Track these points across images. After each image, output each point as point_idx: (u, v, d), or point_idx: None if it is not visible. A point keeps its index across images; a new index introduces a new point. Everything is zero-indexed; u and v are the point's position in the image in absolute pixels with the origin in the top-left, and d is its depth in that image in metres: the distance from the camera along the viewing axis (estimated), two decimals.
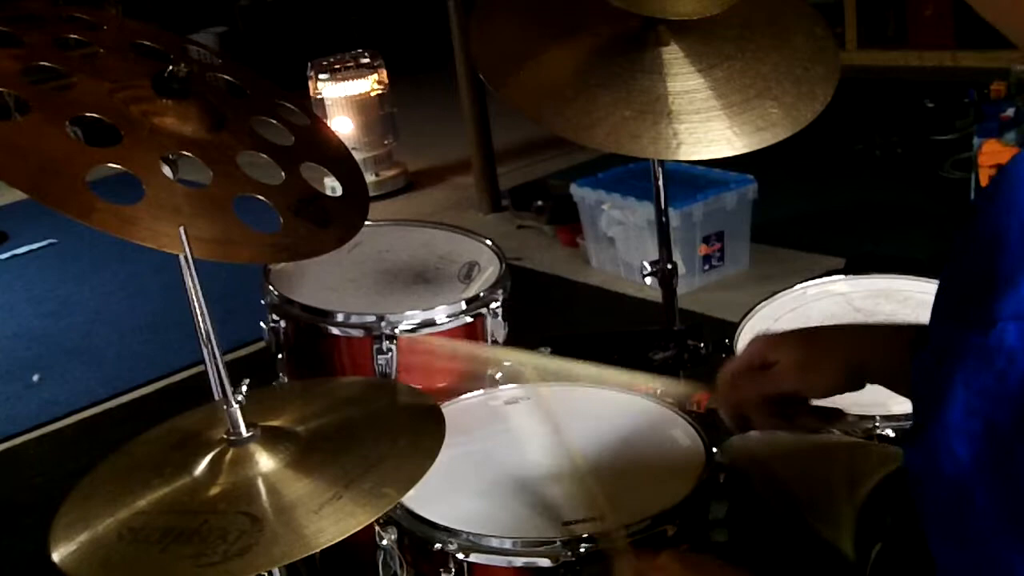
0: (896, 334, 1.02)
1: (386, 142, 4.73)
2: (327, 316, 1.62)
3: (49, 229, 4.55)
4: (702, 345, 1.80)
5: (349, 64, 4.61)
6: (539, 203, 3.97)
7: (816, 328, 1.12)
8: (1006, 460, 0.59)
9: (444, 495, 1.23)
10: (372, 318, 1.58)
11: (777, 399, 1.08)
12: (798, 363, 1.06)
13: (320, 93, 4.57)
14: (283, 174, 1.24)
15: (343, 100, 4.57)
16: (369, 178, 4.52)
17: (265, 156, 1.24)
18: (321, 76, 4.57)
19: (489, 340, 1.66)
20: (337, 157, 1.42)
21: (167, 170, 1.12)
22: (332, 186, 1.36)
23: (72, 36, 1.24)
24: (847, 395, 1.38)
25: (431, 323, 1.60)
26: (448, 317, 1.61)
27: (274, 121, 1.33)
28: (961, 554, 0.63)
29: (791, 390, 1.07)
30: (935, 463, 0.62)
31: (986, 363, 0.59)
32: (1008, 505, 0.59)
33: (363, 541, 1.17)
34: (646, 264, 1.87)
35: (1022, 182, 0.62)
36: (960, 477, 0.61)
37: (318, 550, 0.97)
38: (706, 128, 1.50)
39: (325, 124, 1.55)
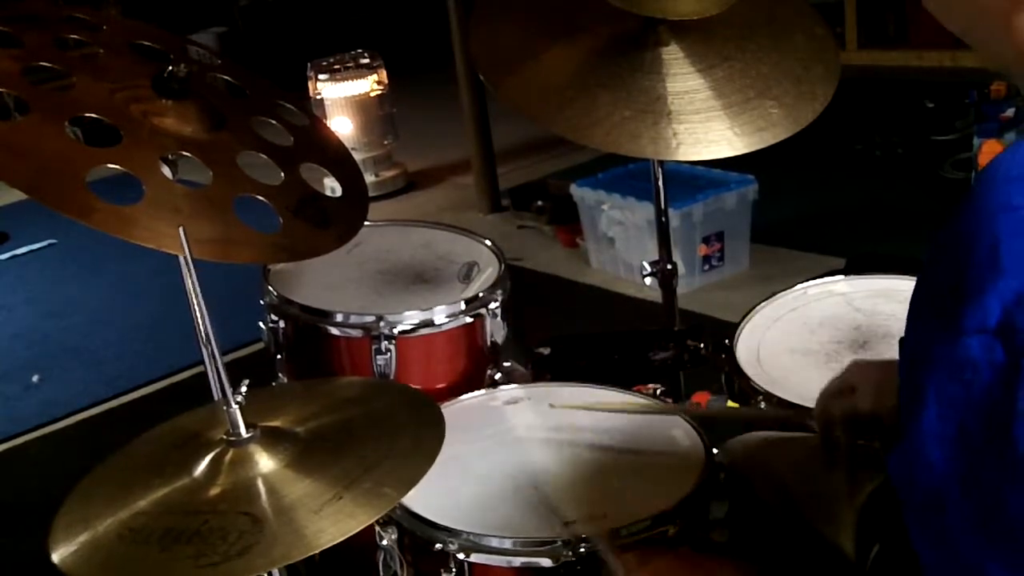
0: None
1: (386, 142, 4.73)
2: (326, 316, 1.62)
3: (49, 229, 4.54)
4: (702, 345, 1.80)
5: (349, 64, 4.61)
6: (539, 203, 3.97)
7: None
8: (977, 467, 0.60)
9: (444, 495, 1.23)
10: (371, 318, 1.58)
11: (859, 419, 1.13)
12: (876, 386, 1.11)
13: (320, 93, 4.57)
14: (283, 174, 1.24)
15: (343, 100, 4.57)
16: (369, 178, 4.52)
17: (265, 156, 1.24)
18: (321, 76, 4.57)
19: (488, 340, 1.66)
20: (337, 157, 1.42)
21: (167, 170, 1.12)
22: (332, 186, 1.36)
23: (72, 36, 1.24)
24: None
25: (430, 323, 1.59)
26: (447, 317, 1.61)
27: (274, 121, 1.33)
28: (939, 558, 0.64)
29: (868, 410, 1.11)
30: (912, 469, 0.64)
31: (954, 373, 0.60)
32: (980, 511, 0.60)
33: (363, 541, 1.17)
34: (646, 264, 1.87)
35: (993, 190, 0.62)
36: (934, 483, 0.62)
37: (318, 551, 0.97)
38: (706, 128, 1.50)
39: (325, 124, 1.55)
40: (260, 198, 1.19)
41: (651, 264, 1.86)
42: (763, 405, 1.44)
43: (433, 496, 1.21)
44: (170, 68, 1.17)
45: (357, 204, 1.35)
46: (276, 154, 1.26)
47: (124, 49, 1.24)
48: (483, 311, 1.64)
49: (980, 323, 0.59)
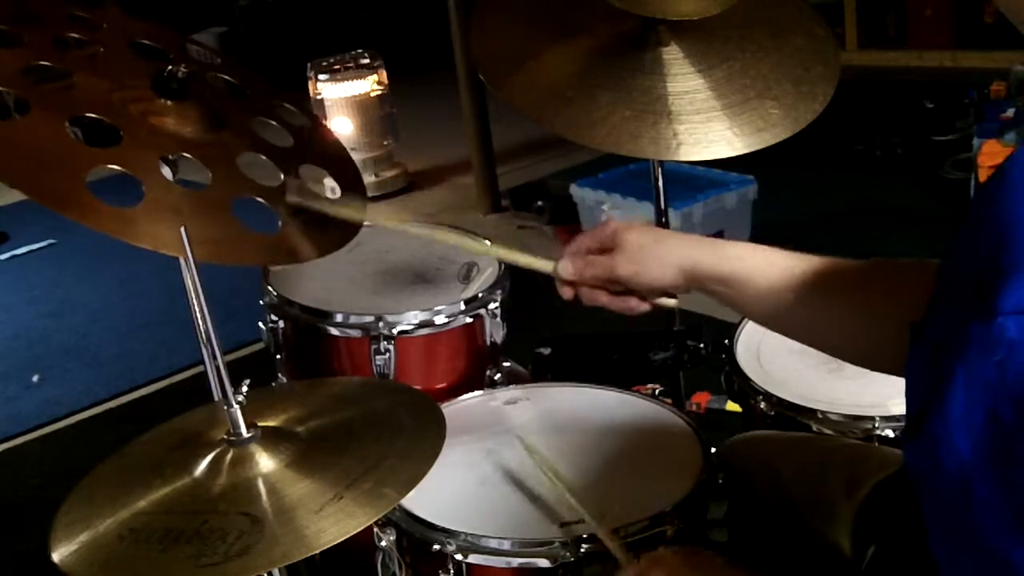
0: (728, 248, 1.12)
1: (386, 142, 4.73)
2: (326, 316, 1.61)
3: (49, 229, 4.54)
4: (702, 345, 1.80)
5: (349, 64, 4.61)
6: (539, 203, 3.97)
7: (662, 231, 1.20)
8: (1008, 454, 0.58)
9: (443, 496, 1.24)
10: (371, 318, 1.58)
11: (612, 282, 1.18)
12: (636, 253, 1.14)
13: (320, 93, 4.57)
14: (282, 175, 1.24)
15: (343, 100, 4.57)
16: (369, 179, 4.52)
17: (264, 157, 1.24)
18: (321, 76, 4.57)
19: (488, 340, 1.66)
20: (336, 158, 1.42)
21: (167, 171, 1.12)
22: (331, 187, 1.36)
23: (72, 36, 1.24)
24: (847, 396, 1.39)
25: (430, 323, 1.59)
26: (447, 318, 1.61)
27: (273, 122, 1.33)
28: (962, 551, 0.63)
29: (624, 276, 1.15)
30: (936, 457, 0.62)
31: (987, 355, 0.59)
32: (1010, 500, 0.58)
33: (362, 542, 1.17)
34: None
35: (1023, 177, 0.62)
36: (961, 471, 0.60)
37: (318, 551, 0.97)
38: (706, 128, 1.50)
39: (325, 125, 1.55)
40: (260, 199, 1.19)
41: None
42: (763, 405, 1.44)
43: (431, 497, 1.21)
44: (170, 68, 1.17)
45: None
46: (276, 155, 1.26)
47: (124, 49, 1.24)
48: (483, 311, 1.64)
49: (1017, 303, 0.58)
